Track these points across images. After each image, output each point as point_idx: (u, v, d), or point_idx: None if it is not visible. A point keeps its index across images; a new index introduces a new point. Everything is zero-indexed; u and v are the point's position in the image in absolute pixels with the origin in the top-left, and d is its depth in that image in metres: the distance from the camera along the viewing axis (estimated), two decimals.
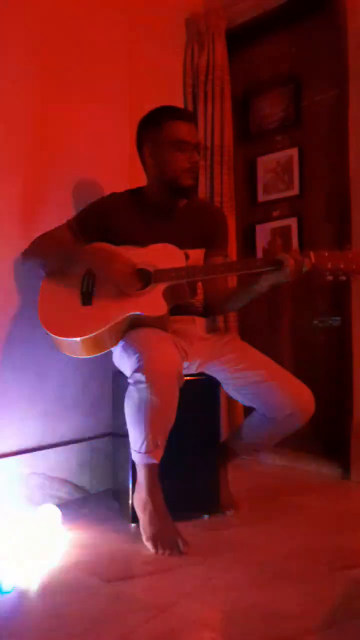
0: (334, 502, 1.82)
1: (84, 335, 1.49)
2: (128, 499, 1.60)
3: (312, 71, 2.35)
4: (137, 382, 1.40)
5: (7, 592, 1.20)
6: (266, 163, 2.49)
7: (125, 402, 1.46)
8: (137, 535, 1.47)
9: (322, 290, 2.28)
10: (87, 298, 1.56)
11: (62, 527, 1.56)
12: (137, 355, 1.40)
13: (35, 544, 1.43)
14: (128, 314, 1.49)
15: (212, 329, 1.76)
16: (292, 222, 2.38)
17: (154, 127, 1.65)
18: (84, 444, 1.92)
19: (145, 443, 1.42)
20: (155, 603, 1.15)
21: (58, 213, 1.78)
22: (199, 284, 1.77)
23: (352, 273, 1.42)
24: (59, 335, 1.53)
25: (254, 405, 1.62)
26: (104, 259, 1.56)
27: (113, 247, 1.60)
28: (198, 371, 1.67)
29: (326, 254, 1.42)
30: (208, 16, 2.43)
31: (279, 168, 2.45)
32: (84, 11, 1.99)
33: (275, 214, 2.46)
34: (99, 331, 1.49)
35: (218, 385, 1.69)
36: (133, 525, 1.57)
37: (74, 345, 1.54)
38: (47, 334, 1.54)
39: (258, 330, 2.45)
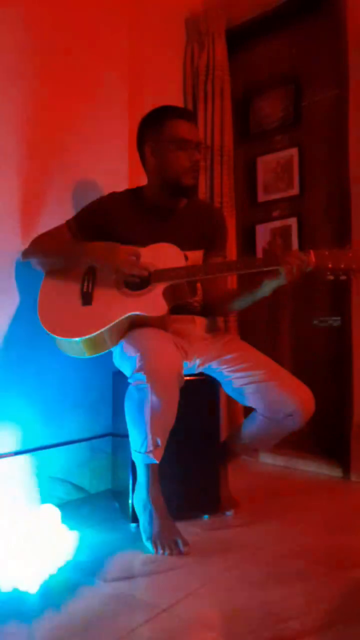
0: (334, 502, 1.82)
1: (84, 335, 1.49)
2: (128, 499, 1.60)
3: (312, 71, 2.35)
4: (137, 382, 1.40)
5: (8, 593, 1.19)
6: (266, 163, 2.49)
7: (125, 402, 1.46)
8: (137, 535, 1.47)
9: (322, 290, 2.28)
10: (87, 298, 1.56)
11: (62, 527, 1.55)
12: (137, 355, 1.40)
13: (35, 544, 1.43)
14: (128, 314, 1.49)
15: (212, 329, 1.76)
16: (292, 222, 2.38)
17: (155, 126, 1.65)
18: (84, 444, 1.92)
19: (145, 443, 1.42)
20: (155, 603, 1.15)
21: (58, 213, 1.78)
22: (199, 283, 1.77)
23: (353, 272, 1.42)
24: (59, 336, 1.53)
25: (254, 405, 1.61)
26: (106, 251, 1.56)
27: (112, 242, 1.60)
28: (198, 371, 1.67)
29: (327, 253, 1.43)
30: (208, 16, 2.44)
31: (279, 168, 2.45)
32: (83, 11, 1.99)
33: (275, 214, 2.46)
34: (99, 331, 1.49)
35: (218, 385, 1.69)
36: (133, 525, 1.57)
37: (74, 346, 1.54)
38: (47, 334, 1.54)
39: (258, 330, 2.45)
